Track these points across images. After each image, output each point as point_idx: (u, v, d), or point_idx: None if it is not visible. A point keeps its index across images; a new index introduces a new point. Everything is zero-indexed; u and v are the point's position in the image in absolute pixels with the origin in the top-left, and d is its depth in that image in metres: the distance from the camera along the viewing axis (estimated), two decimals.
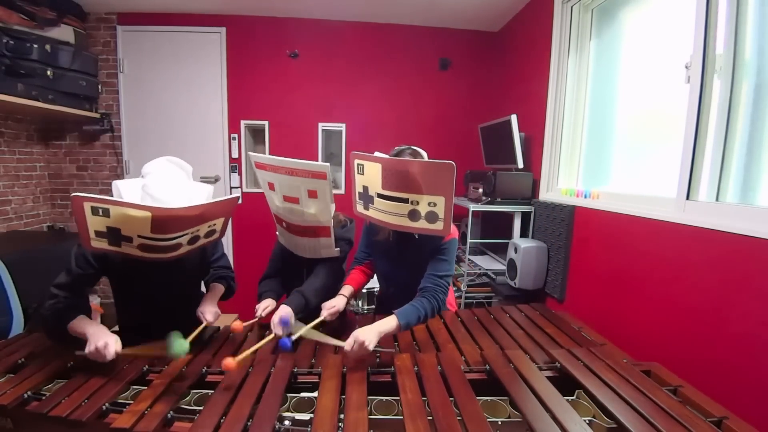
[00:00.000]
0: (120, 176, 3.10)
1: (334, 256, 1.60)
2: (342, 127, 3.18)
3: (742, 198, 1.30)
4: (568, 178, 2.27)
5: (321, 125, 3.17)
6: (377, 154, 1.33)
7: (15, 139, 2.77)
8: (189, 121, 3.09)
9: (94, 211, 1.04)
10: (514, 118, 2.33)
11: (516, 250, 2.20)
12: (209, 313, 1.33)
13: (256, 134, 3.28)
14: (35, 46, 2.42)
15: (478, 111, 3.22)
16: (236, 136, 3.12)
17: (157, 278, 1.31)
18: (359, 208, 1.42)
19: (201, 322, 1.30)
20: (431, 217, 1.24)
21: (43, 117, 2.90)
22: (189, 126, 3.10)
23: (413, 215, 1.26)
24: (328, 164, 1.41)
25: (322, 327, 1.33)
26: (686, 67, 1.42)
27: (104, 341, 1.05)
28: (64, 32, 2.69)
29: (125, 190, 1.17)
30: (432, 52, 3.17)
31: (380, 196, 1.30)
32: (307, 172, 1.45)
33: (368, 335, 1.10)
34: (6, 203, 2.69)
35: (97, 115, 2.99)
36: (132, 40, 3.00)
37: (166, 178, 1.19)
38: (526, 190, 2.43)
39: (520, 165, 2.40)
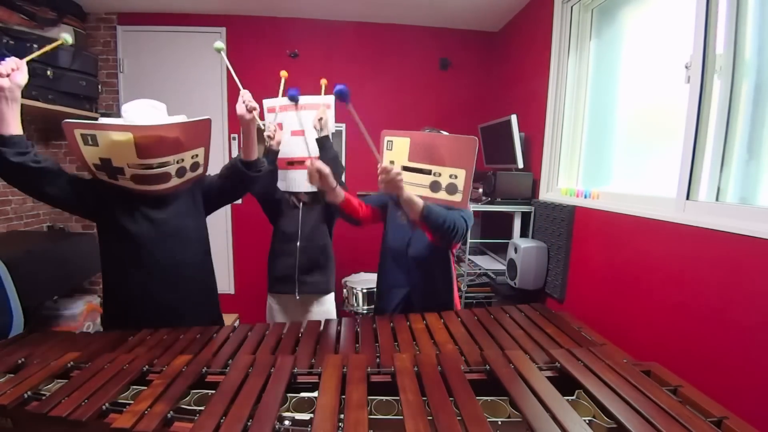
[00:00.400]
0: None
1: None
2: (342, 127, 3.18)
3: (742, 198, 1.30)
4: (568, 178, 2.27)
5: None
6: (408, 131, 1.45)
7: None
8: None
9: (84, 139, 1.10)
10: (514, 118, 2.33)
11: (516, 250, 2.20)
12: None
13: (257, 134, 3.28)
14: (35, 46, 2.42)
15: (478, 111, 3.22)
16: (236, 136, 3.12)
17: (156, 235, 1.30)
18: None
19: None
20: (451, 188, 1.35)
21: (43, 117, 2.90)
22: None
23: (435, 186, 1.38)
24: (332, 95, 1.67)
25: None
26: (686, 67, 1.42)
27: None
28: (64, 32, 2.69)
29: (108, 120, 1.20)
30: (432, 52, 3.17)
31: (405, 168, 1.40)
32: (313, 104, 1.82)
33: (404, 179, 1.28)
34: (6, 203, 2.69)
35: (97, 115, 2.99)
36: (132, 40, 3.00)
37: (143, 106, 1.26)
38: (526, 190, 2.43)
39: (520, 165, 2.40)
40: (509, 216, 2.51)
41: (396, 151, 1.45)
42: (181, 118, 1.30)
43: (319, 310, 1.86)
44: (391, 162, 1.45)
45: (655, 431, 0.79)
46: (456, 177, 1.33)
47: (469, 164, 1.30)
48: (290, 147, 1.82)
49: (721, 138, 1.33)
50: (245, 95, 1.38)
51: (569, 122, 2.25)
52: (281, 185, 1.88)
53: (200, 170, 1.39)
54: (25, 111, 2.60)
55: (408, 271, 1.55)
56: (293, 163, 1.80)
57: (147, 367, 1.11)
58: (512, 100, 2.91)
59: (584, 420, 0.83)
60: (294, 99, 1.38)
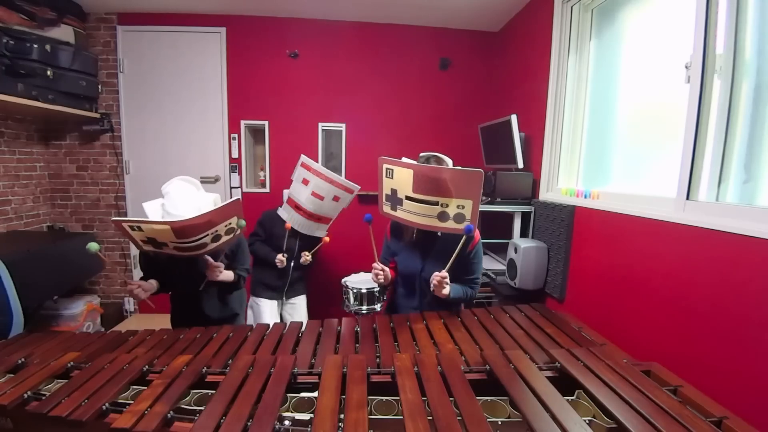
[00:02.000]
0: (120, 176, 3.11)
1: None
2: (342, 127, 3.18)
3: (742, 198, 1.30)
4: (568, 178, 2.27)
5: (321, 125, 3.17)
6: (405, 159, 1.46)
7: (15, 139, 2.77)
8: (189, 121, 3.09)
9: (132, 228, 1.34)
10: (514, 118, 2.33)
11: (516, 250, 2.20)
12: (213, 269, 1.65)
13: (256, 134, 3.29)
14: (35, 46, 2.42)
15: (478, 111, 3.22)
16: (236, 136, 3.12)
17: (185, 272, 1.65)
18: (386, 209, 1.54)
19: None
20: (459, 218, 1.37)
21: (43, 117, 2.90)
22: (189, 126, 3.10)
23: (442, 216, 1.40)
24: (358, 186, 2.28)
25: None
26: (686, 67, 1.42)
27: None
28: (64, 32, 2.69)
29: (149, 210, 1.49)
30: (432, 52, 3.17)
31: (409, 198, 1.42)
32: (341, 185, 2.23)
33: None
34: (6, 203, 2.70)
35: (97, 115, 2.99)
36: (132, 40, 3.00)
37: (179, 196, 1.48)
38: (526, 190, 2.43)
39: (520, 165, 2.40)
40: (509, 216, 2.51)
41: (397, 180, 1.44)
42: (213, 198, 1.56)
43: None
44: (393, 189, 1.47)
45: (655, 431, 0.79)
46: (463, 207, 1.36)
47: (475, 195, 1.33)
48: (305, 199, 2.24)
49: (721, 138, 1.33)
50: None
51: (569, 122, 2.25)
52: (284, 215, 2.34)
53: (237, 232, 1.59)
54: (25, 111, 2.63)
55: (421, 293, 1.60)
56: (300, 210, 2.27)
57: (147, 367, 1.11)
58: (512, 100, 2.91)
59: (584, 420, 0.83)
60: (368, 221, 1.59)
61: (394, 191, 1.47)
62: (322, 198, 2.18)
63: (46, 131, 3.03)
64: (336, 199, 2.26)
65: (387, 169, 1.46)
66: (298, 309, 2.46)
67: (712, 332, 1.24)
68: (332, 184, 2.21)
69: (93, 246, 1.35)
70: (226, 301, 1.84)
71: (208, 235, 1.43)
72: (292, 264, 2.32)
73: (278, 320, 2.45)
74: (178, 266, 1.62)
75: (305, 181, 2.23)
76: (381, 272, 1.57)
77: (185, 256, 1.48)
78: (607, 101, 2.04)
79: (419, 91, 3.21)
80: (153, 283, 1.60)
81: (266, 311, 2.34)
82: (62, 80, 2.61)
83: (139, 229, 1.34)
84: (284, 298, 2.41)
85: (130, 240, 1.39)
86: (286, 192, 2.49)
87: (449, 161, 1.55)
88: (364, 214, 1.54)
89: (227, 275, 1.73)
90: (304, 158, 2.27)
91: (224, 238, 1.53)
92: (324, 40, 3.09)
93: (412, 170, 1.38)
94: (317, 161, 3.12)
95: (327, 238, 2.36)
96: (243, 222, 1.55)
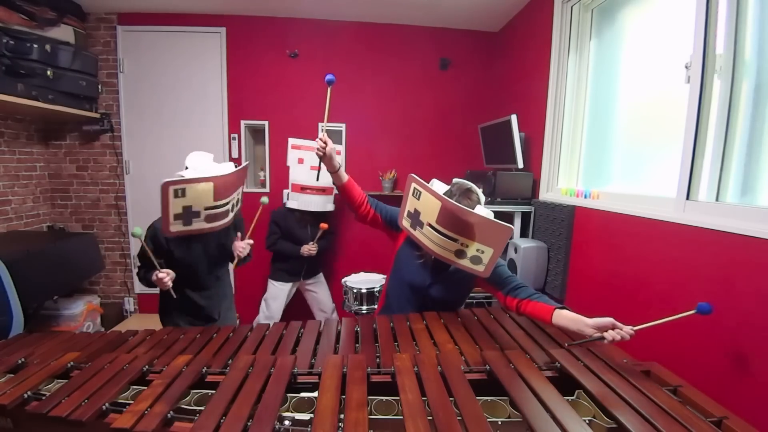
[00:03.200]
0: (120, 176, 3.11)
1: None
2: (342, 127, 3.18)
3: (742, 198, 1.30)
4: (568, 178, 2.27)
5: (321, 125, 3.16)
6: (436, 182, 1.37)
7: (15, 139, 2.77)
8: (189, 121, 3.09)
9: (176, 193, 1.38)
10: (514, 118, 2.33)
11: (516, 250, 2.20)
12: (239, 248, 1.69)
13: (256, 134, 3.28)
14: (35, 46, 2.42)
15: (478, 111, 3.22)
16: (236, 136, 3.12)
17: (197, 257, 1.71)
18: (406, 224, 1.45)
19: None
20: (475, 260, 1.30)
21: (43, 117, 2.90)
22: (189, 126, 3.10)
23: (459, 254, 1.32)
24: (342, 145, 2.59)
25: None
26: (686, 67, 1.42)
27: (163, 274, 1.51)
28: (64, 32, 2.69)
29: (189, 175, 1.52)
30: (432, 52, 3.17)
31: (432, 227, 1.33)
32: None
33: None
34: (6, 203, 2.69)
35: (97, 115, 2.99)
36: (132, 40, 3.00)
37: (203, 162, 1.59)
38: (526, 190, 2.43)
39: (520, 165, 2.40)
40: (509, 216, 2.51)
41: (423, 204, 1.36)
42: (230, 166, 1.62)
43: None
44: (417, 211, 1.38)
45: (655, 431, 0.79)
46: (483, 252, 1.28)
47: (499, 246, 1.25)
48: (306, 177, 2.51)
49: (721, 138, 1.33)
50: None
51: (569, 122, 2.25)
52: (293, 204, 2.56)
53: (239, 205, 1.70)
54: (25, 111, 2.63)
55: (425, 303, 1.52)
56: (306, 189, 2.51)
57: (147, 367, 1.11)
58: (512, 100, 2.91)
59: (584, 420, 0.83)
60: (330, 83, 1.51)
61: (417, 212, 1.39)
62: (319, 168, 2.33)
63: (46, 131, 3.03)
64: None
65: (415, 189, 1.38)
66: (320, 286, 2.85)
67: (712, 332, 1.24)
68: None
69: (137, 231, 1.42)
70: (218, 292, 1.85)
71: (230, 201, 1.57)
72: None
73: (288, 300, 2.76)
74: (196, 251, 1.71)
75: (300, 160, 2.53)
76: (324, 144, 1.48)
77: (207, 230, 1.55)
78: (607, 101, 2.04)
79: (419, 91, 3.21)
80: (171, 271, 1.59)
81: (283, 292, 2.70)
82: (62, 80, 2.61)
83: (182, 194, 1.39)
84: (302, 279, 2.74)
85: (164, 215, 1.41)
86: (285, 191, 2.76)
87: (482, 197, 1.44)
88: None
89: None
90: (292, 141, 2.59)
91: (235, 209, 1.66)
92: (324, 40, 3.09)
93: (440, 203, 1.29)
94: (317, 161, 3.13)
95: (325, 225, 2.45)
96: (266, 199, 1.74)
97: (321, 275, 2.91)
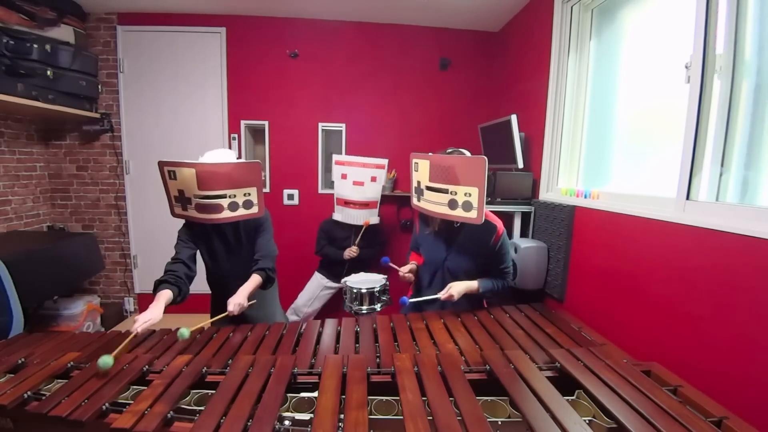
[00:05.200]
0: (120, 176, 3.11)
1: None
2: (342, 127, 3.18)
3: (742, 198, 1.30)
4: (568, 178, 2.27)
5: (321, 125, 3.17)
6: (430, 153, 1.58)
7: (15, 139, 2.77)
8: (189, 120, 3.09)
9: (169, 174, 1.48)
10: (514, 118, 2.33)
11: (516, 250, 2.20)
12: (231, 304, 1.47)
13: (256, 134, 3.29)
14: (35, 46, 2.42)
15: (478, 111, 3.22)
16: (236, 136, 3.12)
17: (223, 259, 1.73)
18: (414, 200, 1.68)
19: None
20: (467, 206, 1.44)
21: (43, 117, 2.90)
22: (189, 126, 3.10)
23: (452, 204, 1.48)
24: (386, 159, 2.69)
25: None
26: (686, 67, 1.42)
27: (142, 319, 1.28)
28: (64, 32, 2.69)
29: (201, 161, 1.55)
30: (432, 52, 3.17)
31: (428, 188, 1.55)
32: (372, 164, 2.64)
33: (458, 288, 1.53)
34: (6, 203, 2.69)
35: (97, 115, 2.99)
36: (132, 40, 3.00)
37: (212, 152, 1.59)
38: (526, 190, 2.43)
39: (520, 165, 2.40)
40: (509, 216, 2.51)
41: (420, 172, 1.58)
42: (229, 157, 1.62)
43: None
44: (418, 181, 1.61)
45: (655, 431, 0.79)
46: (470, 195, 1.42)
47: (480, 182, 1.38)
48: (350, 192, 2.61)
49: (721, 138, 1.33)
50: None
51: (569, 122, 2.25)
52: (338, 216, 2.65)
53: (254, 209, 1.63)
54: (25, 111, 2.63)
55: (443, 280, 1.64)
56: (349, 204, 2.61)
57: (147, 367, 1.11)
58: (512, 100, 2.91)
59: (584, 420, 0.83)
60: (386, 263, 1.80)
61: (419, 183, 1.60)
62: (362, 183, 2.57)
63: (46, 131, 3.03)
64: (374, 179, 2.65)
65: (415, 162, 1.61)
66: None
67: (712, 332, 1.24)
68: (365, 167, 2.62)
69: (184, 333, 1.26)
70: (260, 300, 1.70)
71: (226, 196, 1.53)
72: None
73: (326, 293, 2.80)
74: (221, 257, 1.72)
75: (343, 176, 2.61)
76: (408, 273, 1.69)
77: (205, 221, 1.55)
78: (607, 101, 2.04)
79: (419, 91, 3.21)
80: (159, 312, 1.37)
81: (319, 285, 2.76)
82: (62, 80, 2.61)
83: (174, 177, 1.47)
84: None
85: (168, 196, 1.52)
86: (284, 191, 2.91)
87: (468, 154, 1.58)
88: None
89: (252, 284, 1.60)
90: (335, 157, 2.70)
91: (241, 210, 1.59)
92: (324, 40, 3.09)
93: (428, 161, 1.51)
94: (317, 161, 3.19)
95: (367, 222, 2.57)
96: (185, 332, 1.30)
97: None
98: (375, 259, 2.98)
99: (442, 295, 1.51)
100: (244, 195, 1.58)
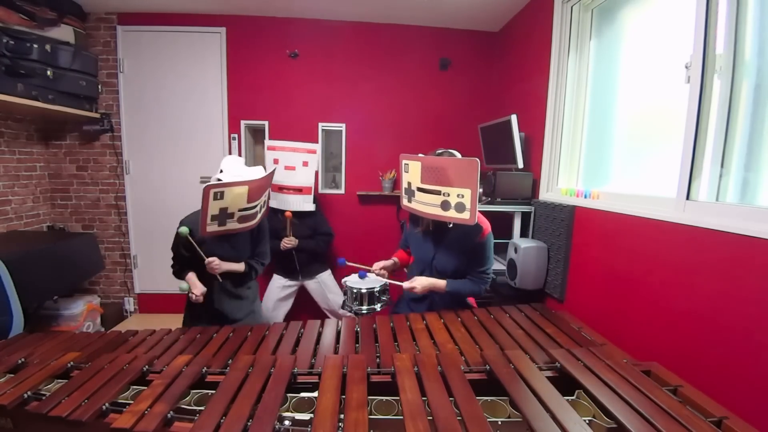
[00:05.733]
0: (120, 176, 3.11)
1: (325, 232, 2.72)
2: (342, 127, 3.18)
3: (742, 198, 1.30)
4: (568, 178, 2.27)
5: (321, 125, 3.17)
6: (420, 155, 1.58)
7: (15, 139, 2.77)
8: (189, 121, 3.09)
9: (215, 195, 1.50)
10: (514, 118, 2.33)
11: (516, 250, 2.20)
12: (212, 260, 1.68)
13: (256, 134, 3.28)
14: (35, 46, 2.42)
15: (478, 111, 3.22)
16: (236, 136, 3.12)
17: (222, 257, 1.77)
18: (405, 201, 1.69)
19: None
20: (459, 207, 1.45)
21: (43, 117, 2.90)
22: (189, 126, 3.10)
23: (445, 205, 1.48)
24: (318, 144, 2.70)
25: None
26: (686, 67, 1.42)
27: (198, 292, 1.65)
28: (64, 32, 2.69)
29: (226, 179, 1.65)
30: (432, 52, 3.17)
31: (419, 189, 1.56)
32: (303, 149, 2.63)
33: (422, 281, 1.55)
34: (6, 203, 2.69)
35: (97, 115, 2.99)
36: (132, 40, 3.00)
37: (237, 166, 1.72)
38: (526, 190, 2.43)
39: (520, 165, 2.40)
40: (509, 216, 2.51)
41: (411, 173, 1.59)
42: (259, 170, 1.76)
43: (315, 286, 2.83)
44: (409, 182, 1.62)
45: (655, 431, 0.79)
46: (463, 196, 1.43)
47: (473, 184, 1.40)
48: (283, 177, 2.58)
49: (721, 138, 1.33)
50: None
51: (569, 122, 2.25)
52: (273, 203, 2.54)
53: (265, 208, 1.81)
54: (25, 111, 2.63)
55: (432, 276, 1.65)
56: (283, 189, 2.59)
57: (147, 367, 1.11)
58: (512, 100, 2.91)
59: (584, 420, 0.83)
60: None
61: (409, 184, 1.61)
62: (294, 168, 2.56)
63: (46, 131, 3.03)
64: (305, 164, 2.63)
65: (405, 164, 1.61)
66: (327, 284, 2.81)
67: (712, 332, 1.24)
68: (296, 151, 2.62)
69: (184, 231, 1.60)
70: (242, 298, 1.88)
71: (259, 204, 1.70)
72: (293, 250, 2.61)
73: (287, 293, 2.77)
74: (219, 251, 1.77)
75: (275, 161, 2.58)
76: (382, 270, 1.72)
77: (239, 230, 1.68)
78: (607, 101, 2.04)
79: (419, 91, 3.21)
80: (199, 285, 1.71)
81: (278, 286, 2.73)
82: (62, 80, 2.61)
83: (221, 197, 1.52)
84: (300, 279, 2.75)
85: (202, 216, 1.53)
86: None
87: (458, 155, 1.61)
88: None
89: (236, 266, 1.78)
90: (268, 142, 2.67)
91: (261, 213, 1.76)
92: (324, 40, 3.09)
93: (420, 162, 1.51)
94: (317, 161, 3.15)
95: (288, 213, 2.46)
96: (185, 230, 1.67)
97: (326, 273, 2.84)
98: (330, 251, 3.00)
99: (406, 285, 1.56)
100: (264, 198, 1.76)
